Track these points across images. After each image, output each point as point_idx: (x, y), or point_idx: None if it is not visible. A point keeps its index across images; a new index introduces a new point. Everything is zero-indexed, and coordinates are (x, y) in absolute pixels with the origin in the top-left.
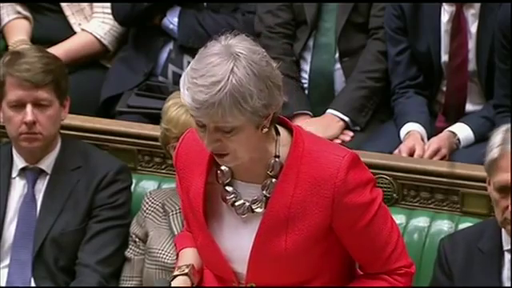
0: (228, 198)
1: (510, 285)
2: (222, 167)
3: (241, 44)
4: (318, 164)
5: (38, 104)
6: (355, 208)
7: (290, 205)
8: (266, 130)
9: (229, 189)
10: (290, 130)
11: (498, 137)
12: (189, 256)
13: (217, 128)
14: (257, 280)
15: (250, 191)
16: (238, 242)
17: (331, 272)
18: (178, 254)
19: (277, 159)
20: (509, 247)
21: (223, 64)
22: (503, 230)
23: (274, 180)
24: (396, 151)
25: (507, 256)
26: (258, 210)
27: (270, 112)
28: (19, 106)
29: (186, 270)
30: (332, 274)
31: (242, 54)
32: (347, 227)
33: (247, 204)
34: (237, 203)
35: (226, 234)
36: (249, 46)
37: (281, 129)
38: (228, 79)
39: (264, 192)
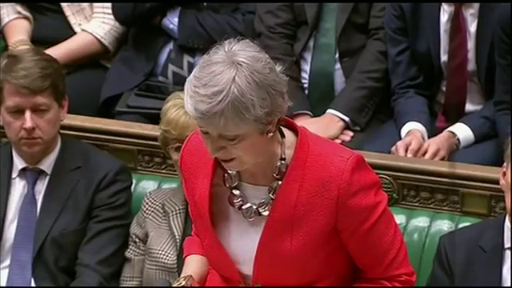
0: (235, 201)
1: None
2: (229, 171)
3: (244, 52)
4: (322, 166)
5: (36, 109)
6: (359, 211)
7: (294, 206)
8: (271, 134)
9: (236, 192)
10: (294, 130)
11: None
12: (191, 264)
13: (221, 136)
14: (263, 281)
15: (257, 194)
16: (244, 243)
17: (336, 275)
18: (183, 260)
19: (283, 161)
20: (510, 245)
21: (225, 73)
22: (506, 227)
23: (280, 182)
24: (393, 148)
25: (508, 254)
26: (265, 212)
27: (273, 118)
28: (18, 111)
29: (183, 283)
30: (336, 277)
31: (244, 62)
32: (351, 230)
33: (254, 207)
34: (244, 207)
35: (232, 235)
36: (252, 53)
37: (285, 130)
38: (230, 89)
39: (270, 195)
